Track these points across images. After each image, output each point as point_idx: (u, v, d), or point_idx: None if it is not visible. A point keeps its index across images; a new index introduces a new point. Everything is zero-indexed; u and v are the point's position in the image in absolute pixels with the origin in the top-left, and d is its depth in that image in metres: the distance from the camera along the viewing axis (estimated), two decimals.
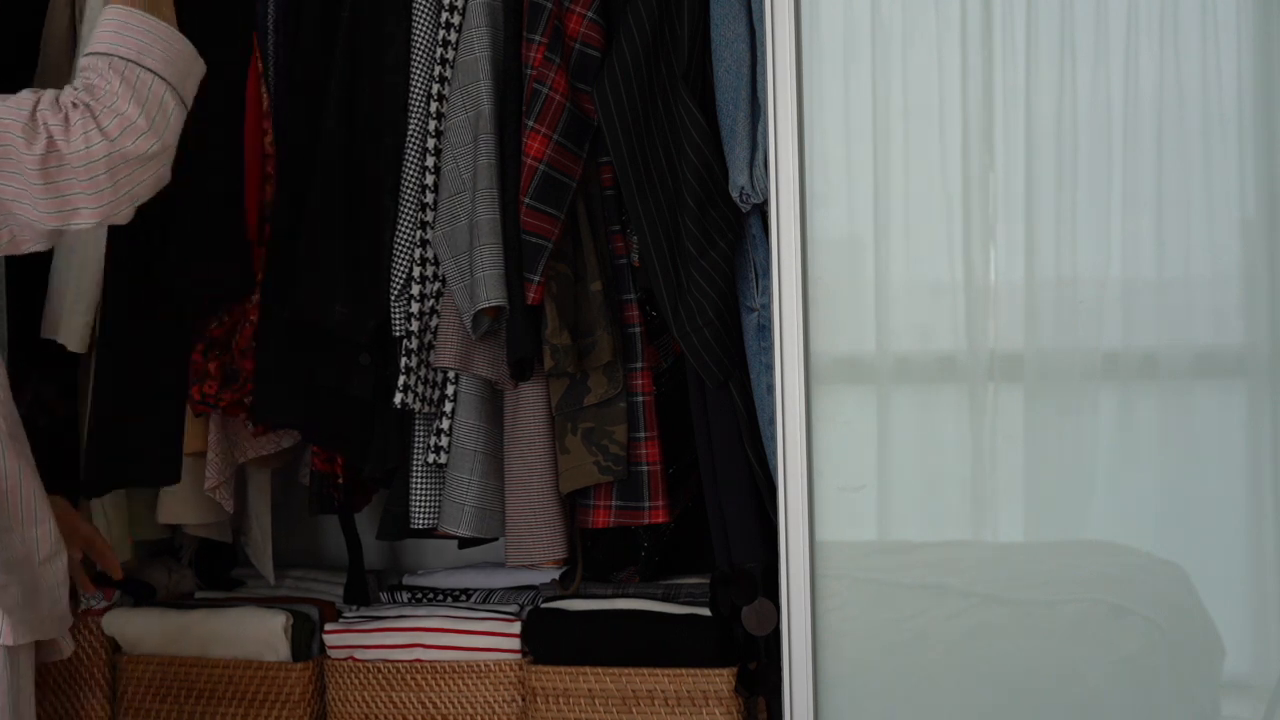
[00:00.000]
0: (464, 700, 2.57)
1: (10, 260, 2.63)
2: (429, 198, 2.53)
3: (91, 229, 2.48)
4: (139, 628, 2.69)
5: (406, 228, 2.53)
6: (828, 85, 2.28)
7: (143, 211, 1.94)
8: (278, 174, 2.60)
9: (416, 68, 2.54)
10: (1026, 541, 2.31)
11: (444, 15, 2.55)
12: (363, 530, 2.86)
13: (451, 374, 2.55)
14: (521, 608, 2.66)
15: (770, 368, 2.32)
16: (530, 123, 2.45)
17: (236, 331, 2.62)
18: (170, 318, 2.62)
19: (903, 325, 2.31)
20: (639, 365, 2.53)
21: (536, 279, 2.44)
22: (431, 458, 2.54)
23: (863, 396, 2.32)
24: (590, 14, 2.50)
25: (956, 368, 2.29)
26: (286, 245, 2.56)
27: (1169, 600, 2.26)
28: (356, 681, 2.59)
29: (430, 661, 2.60)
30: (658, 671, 2.50)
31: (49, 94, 1.84)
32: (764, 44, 2.30)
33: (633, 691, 2.51)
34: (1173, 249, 2.23)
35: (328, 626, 2.66)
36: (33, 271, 2.63)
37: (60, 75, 2.75)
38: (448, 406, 2.54)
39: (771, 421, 2.33)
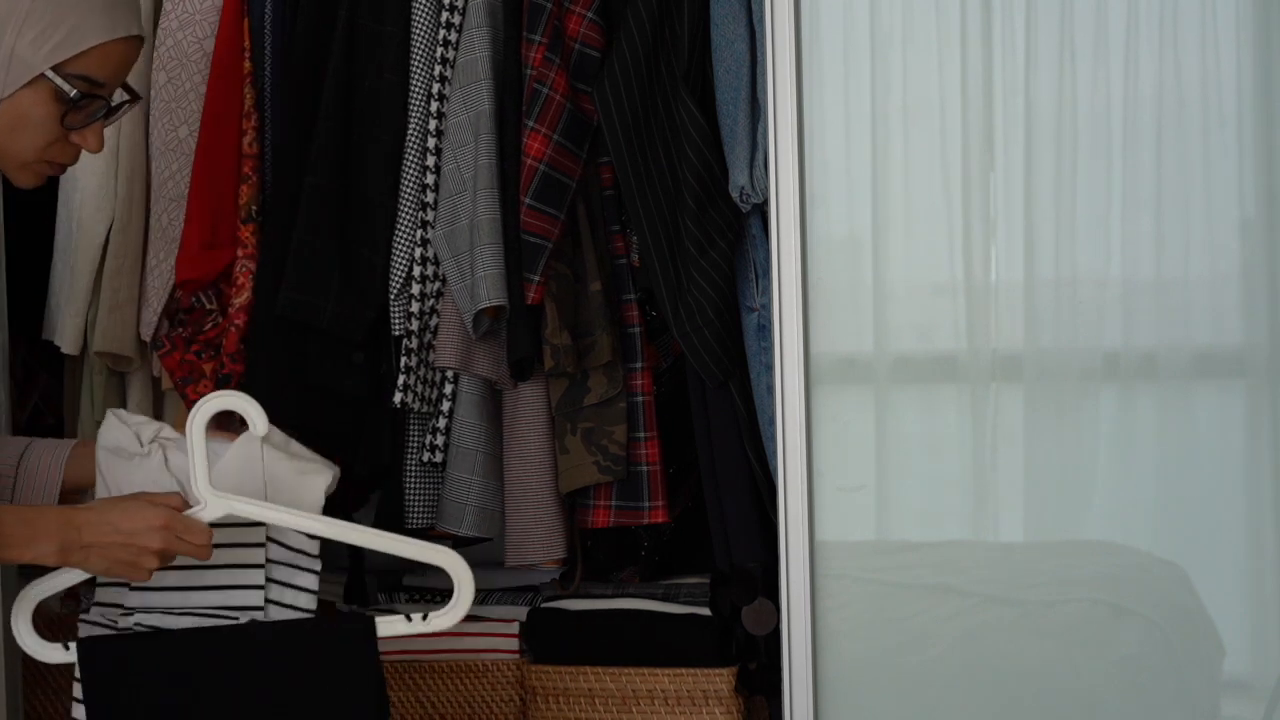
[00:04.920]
0: (463, 700, 2.57)
1: (12, 261, 2.63)
2: (429, 197, 2.53)
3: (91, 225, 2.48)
4: None
5: (406, 227, 2.53)
6: (828, 85, 2.29)
7: None
8: (275, 174, 2.59)
9: (416, 68, 2.54)
10: (1026, 541, 2.31)
11: (444, 15, 2.54)
12: None
13: (450, 373, 2.55)
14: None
15: (770, 368, 2.32)
16: (530, 123, 2.45)
17: (223, 335, 2.61)
18: None
19: (902, 325, 2.32)
20: (639, 365, 2.53)
21: (536, 279, 2.44)
22: (427, 456, 2.54)
23: (863, 396, 2.32)
24: (590, 14, 2.50)
25: (956, 368, 2.29)
26: (281, 244, 2.56)
27: (1169, 600, 2.26)
28: None
29: (429, 661, 2.60)
30: (658, 671, 2.50)
31: None
32: (764, 44, 2.30)
33: (632, 691, 2.51)
34: (1173, 249, 2.23)
35: None
36: (36, 272, 2.63)
37: None
38: (445, 406, 2.54)
39: (771, 421, 2.33)
